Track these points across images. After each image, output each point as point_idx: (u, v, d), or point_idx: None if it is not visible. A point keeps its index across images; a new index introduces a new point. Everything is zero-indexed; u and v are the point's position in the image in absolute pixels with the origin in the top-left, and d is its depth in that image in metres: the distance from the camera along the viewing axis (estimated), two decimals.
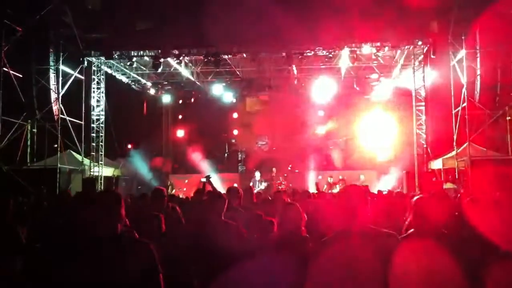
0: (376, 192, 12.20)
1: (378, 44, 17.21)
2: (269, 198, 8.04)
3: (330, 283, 3.24)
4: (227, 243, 4.54)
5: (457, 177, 16.78)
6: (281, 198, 7.29)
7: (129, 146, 21.62)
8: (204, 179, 8.01)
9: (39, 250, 4.06)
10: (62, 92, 17.23)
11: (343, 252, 3.25)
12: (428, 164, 18.55)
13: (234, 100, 23.21)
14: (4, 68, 15.31)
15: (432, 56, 17.36)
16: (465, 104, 16.13)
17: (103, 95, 19.63)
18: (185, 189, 20.75)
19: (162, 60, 18.27)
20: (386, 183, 19.66)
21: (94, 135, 19.27)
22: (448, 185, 16.71)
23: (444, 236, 3.85)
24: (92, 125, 19.20)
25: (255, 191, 8.65)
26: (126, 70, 20.70)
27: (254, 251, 4.46)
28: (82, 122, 17.88)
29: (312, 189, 17.92)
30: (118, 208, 3.17)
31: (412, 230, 3.95)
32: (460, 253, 3.75)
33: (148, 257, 3.11)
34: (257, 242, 4.76)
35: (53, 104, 17.25)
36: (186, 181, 21.73)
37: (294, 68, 20.06)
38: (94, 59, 18.82)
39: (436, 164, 18.47)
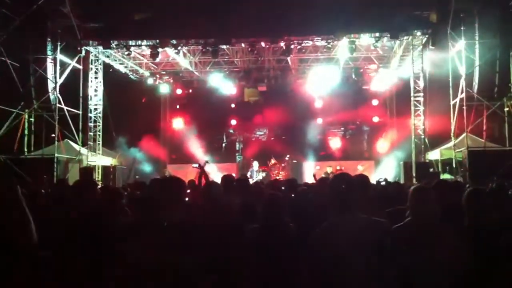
0: (374, 182, 12.17)
1: (377, 34, 17.16)
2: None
3: (325, 271, 3.25)
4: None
5: (454, 167, 16.80)
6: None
7: (127, 136, 21.55)
8: (196, 165, 7.75)
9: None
10: (59, 82, 17.16)
11: (335, 241, 3.26)
12: (425, 155, 18.57)
13: (232, 90, 23.13)
14: (1, 57, 15.24)
15: (431, 47, 17.34)
16: (463, 95, 16.12)
17: (101, 84, 19.60)
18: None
19: (160, 50, 18.20)
20: (383, 173, 19.68)
21: (91, 124, 19.28)
22: (445, 176, 16.75)
23: (441, 226, 3.86)
24: (89, 114, 19.18)
25: (253, 181, 8.59)
26: (124, 60, 20.63)
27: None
28: (80, 112, 17.82)
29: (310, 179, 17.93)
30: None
31: (408, 219, 3.96)
32: (460, 243, 3.76)
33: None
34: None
35: (50, 94, 17.18)
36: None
37: (289, 59, 20.03)
38: (91, 49, 18.74)
39: (434, 155, 18.49)
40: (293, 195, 7.62)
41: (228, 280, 4.19)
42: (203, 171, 7.21)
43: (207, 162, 7.40)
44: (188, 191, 6.68)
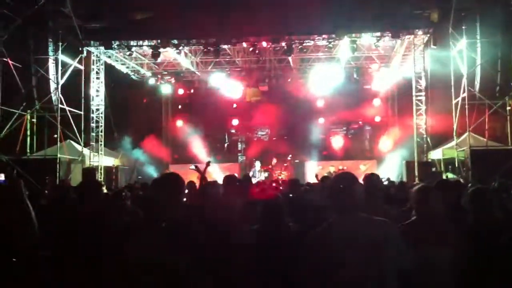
0: None
1: (378, 33, 17.12)
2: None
3: (324, 272, 3.24)
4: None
5: (457, 167, 16.76)
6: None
7: (129, 136, 21.54)
8: (193, 167, 7.72)
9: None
10: (61, 82, 17.17)
11: (334, 241, 3.25)
12: (428, 154, 18.54)
13: (234, 90, 23.09)
14: (3, 58, 15.26)
15: (432, 46, 17.30)
16: (465, 94, 16.08)
17: (103, 85, 19.59)
18: None
19: (161, 50, 18.19)
20: (386, 173, 19.65)
21: (93, 125, 19.27)
22: (448, 175, 16.71)
23: (444, 225, 3.86)
24: (91, 115, 19.17)
25: (255, 181, 8.59)
26: (125, 60, 20.62)
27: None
28: (82, 112, 17.83)
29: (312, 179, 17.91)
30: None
31: (414, 218, 3.96)
32: (462, 242, 3.76)
33: None
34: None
35: (52, 94, 17.20)
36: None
37: (290, 59, 20.01)
38: (93, 49, 18.74)
39: (436, 154, 18.45)
40: (294, 195, 7.62)
41: (228, 280, 4.19)
42: (201, 173, 7.21)
43: (209, 162, 7.37)
44: (187, 191, 6.67)
